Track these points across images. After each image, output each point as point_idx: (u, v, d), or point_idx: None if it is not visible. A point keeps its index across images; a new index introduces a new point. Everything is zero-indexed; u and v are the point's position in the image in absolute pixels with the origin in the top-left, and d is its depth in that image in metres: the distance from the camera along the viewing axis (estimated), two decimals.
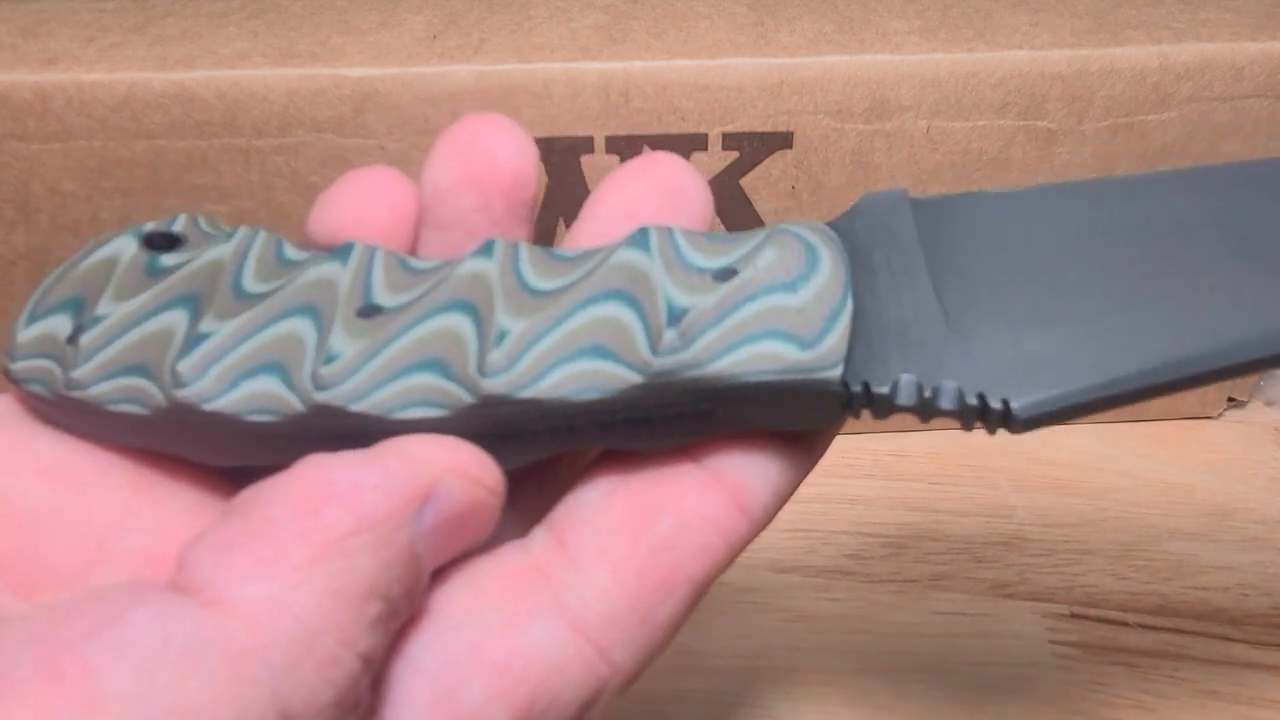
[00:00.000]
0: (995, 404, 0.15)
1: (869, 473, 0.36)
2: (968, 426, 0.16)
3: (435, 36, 0.31)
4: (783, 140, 0.31)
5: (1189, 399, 0.38)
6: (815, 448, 0.17)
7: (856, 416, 0.16)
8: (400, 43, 0.30)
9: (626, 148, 0.30)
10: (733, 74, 0.29)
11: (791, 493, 0.17)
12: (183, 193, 0.30)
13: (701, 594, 0.16)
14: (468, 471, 0.15)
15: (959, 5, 0.33)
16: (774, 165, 0.31)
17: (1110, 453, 0.37)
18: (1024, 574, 0.32)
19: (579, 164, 0.31)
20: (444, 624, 0.15)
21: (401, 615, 0.14)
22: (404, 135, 0.30)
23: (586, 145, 0.30)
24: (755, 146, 0.31)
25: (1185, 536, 0.34)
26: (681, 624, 0.16)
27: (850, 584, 0.32)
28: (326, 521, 0.13)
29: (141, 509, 0.16)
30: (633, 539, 0.15)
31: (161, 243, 0.17)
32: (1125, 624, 0.31)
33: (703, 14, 0.32)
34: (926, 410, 0.16)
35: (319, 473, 0.14)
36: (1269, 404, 0.39)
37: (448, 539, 0.15)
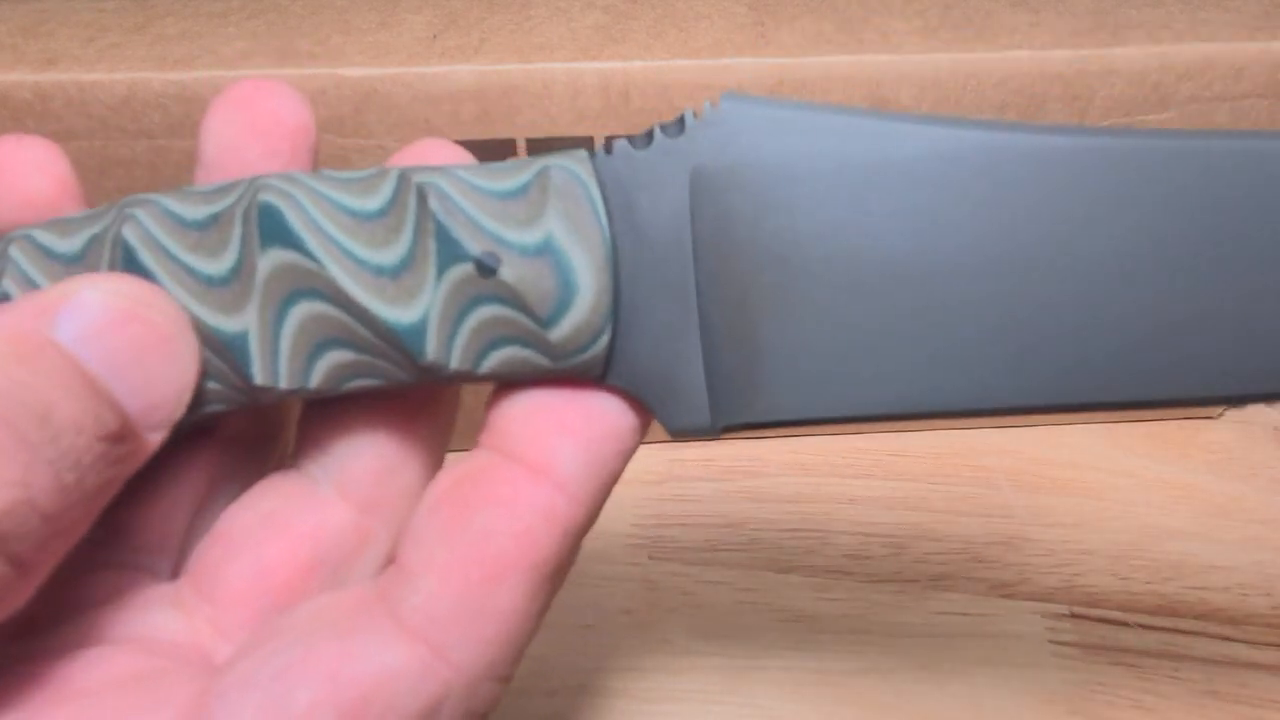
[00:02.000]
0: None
1: (869, 473, 0.36)
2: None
3: (435, 36, 0.31)
4: None
5: None
6: (630, 420, 0.17)
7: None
8: (400, 43, 0.30)
9: None
10: (733, 74, 0.29)
11: (617, 465, 0.17)
12: None
13: (546, 578, 0.16)
14: (107, 284, 0.15)
15: (959, 5, 0.33)
16: None
17: (1110, 453, 0.37)
18: (1024, 574, 0.32)
19: None
20: (279, 642, 0.15)
21: (86, 431, 0.14)
22: (404, 135, 0.30)
23: (586, 145, 0.30)
24: None
25: (1185, 536, 0.34)
26: (535, 612, 0.16)
27: (850, 584, 0.32)
28: None
29: None
30: (450, 539, 0.16)
31: None
32: (1125, 624, 0.31)
33: (703, 14, 0.32)
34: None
35: None
36: (1270, 404, 0.39)
37: (123, 354, 0.15)
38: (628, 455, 0.17)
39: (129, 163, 0.30)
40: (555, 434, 0.16)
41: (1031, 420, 0.38)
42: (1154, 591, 0.32)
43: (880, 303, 0.16)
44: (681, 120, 0.16)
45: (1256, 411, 0.39)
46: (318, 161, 0.19)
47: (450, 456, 0.19)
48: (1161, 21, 0.32)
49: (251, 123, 0.18)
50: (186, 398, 0.16)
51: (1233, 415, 0.39)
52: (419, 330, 0.16)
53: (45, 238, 0.16)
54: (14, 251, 0.16)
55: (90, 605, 0.17)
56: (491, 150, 0.30)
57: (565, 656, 0.30)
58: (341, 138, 0.29)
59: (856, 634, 0.30)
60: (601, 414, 0.17)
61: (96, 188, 0.30)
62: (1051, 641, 0.30)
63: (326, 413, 0.18)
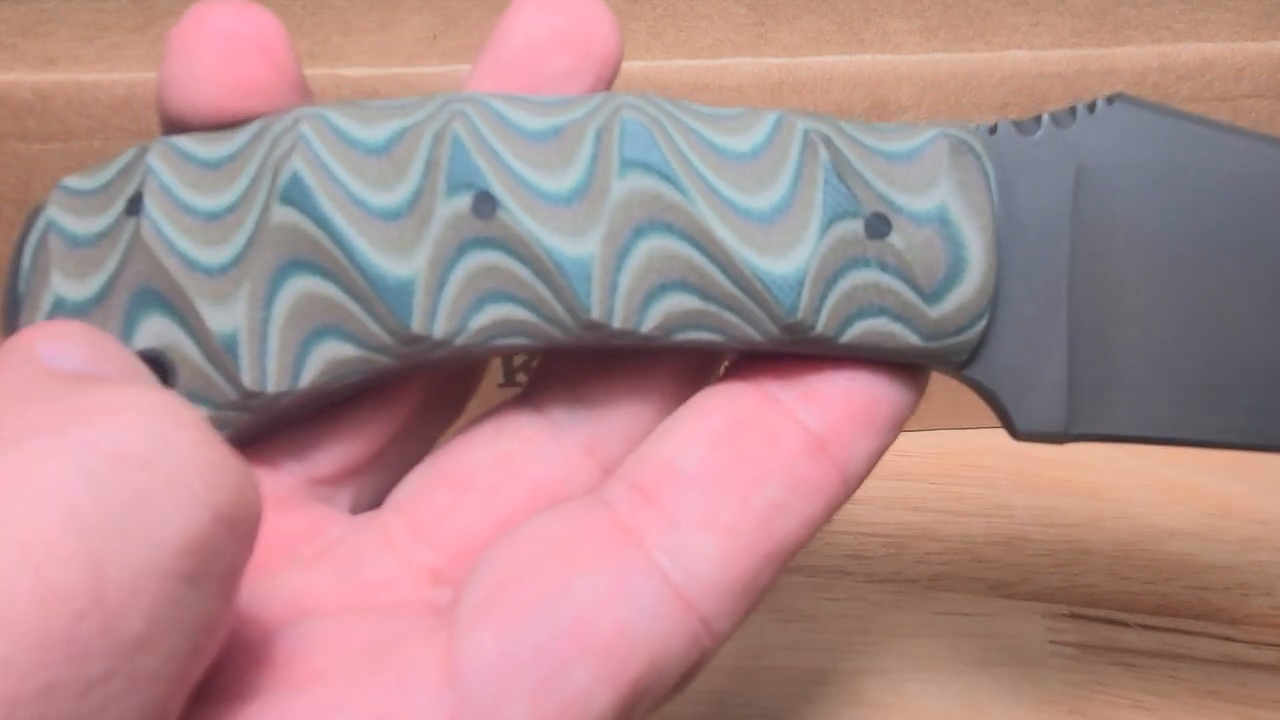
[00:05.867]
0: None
1: None
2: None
3: (435, 36, 0.31)
4: None
5: None
6: (906, 415, 0.16)
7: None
8: (400, 43, 0.30)
9: None
10: (733, 74, 0.29)
11: (876, 463, 0.16)
12: None
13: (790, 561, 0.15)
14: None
15: (959, 5, 0.33)
16: None
17: (1110, 453, 0.37)
18: (1024, 574, 0.32)
19: None
20: (535, 599, 0.13)
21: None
22: None
23: None
24: None
25: (1185, 536, 0.34)
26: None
27: (850, 584, 0.32)
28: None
29: None
30: (743, 502, 0.14)
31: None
32: (1125, 624, 0.31)
33: (703, 14, 0.32)
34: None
35: None
36: None
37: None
38: None
39: None
40: (862, 428, 0.15)
41: None
42: (1154, 591, 0.32)
43: (1253, 331, 0.15)
44: (1073, 111, 0.16)
45: None
46: None
47: None
48: (1161, 21, 0.32)
49: (567, 27, 0.16)
50: None
51: None
52: (793, 285, 0.14)
53: (347, 122, 0.16)
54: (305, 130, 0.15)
55: (290, 549, 0.15)
56: None
57: None
58: None
59: (856, 634, 0.30)
60: (904, 414, 0.16)
61: None
62: (1051, 641, 0.30)
63: (590, 359, 0.16)
